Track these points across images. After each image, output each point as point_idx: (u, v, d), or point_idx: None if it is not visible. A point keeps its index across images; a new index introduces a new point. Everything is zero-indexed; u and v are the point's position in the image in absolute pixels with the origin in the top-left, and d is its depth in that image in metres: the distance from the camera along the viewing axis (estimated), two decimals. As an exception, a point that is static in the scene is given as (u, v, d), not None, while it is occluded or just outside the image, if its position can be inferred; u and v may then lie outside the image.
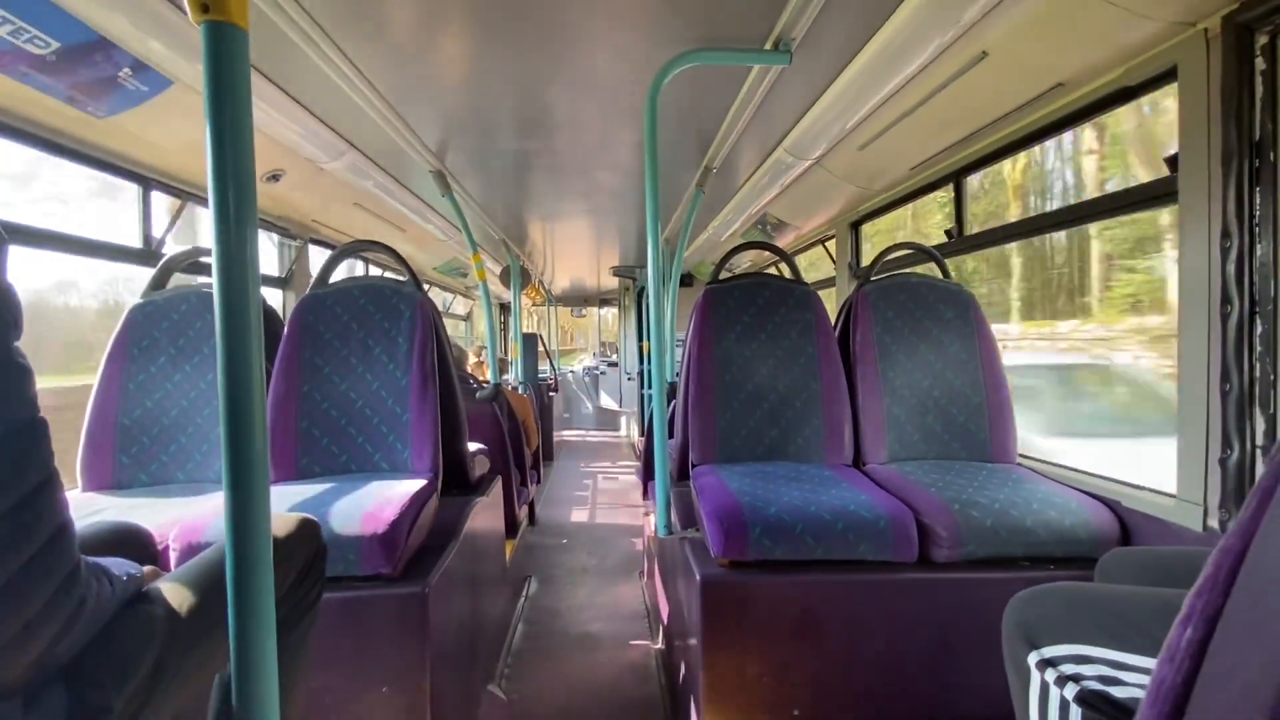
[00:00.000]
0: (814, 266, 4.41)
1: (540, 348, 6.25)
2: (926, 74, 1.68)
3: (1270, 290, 1.19)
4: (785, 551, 1.43)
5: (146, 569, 0.88)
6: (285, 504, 1.51)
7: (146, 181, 2.07)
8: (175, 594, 0.82)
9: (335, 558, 1.37)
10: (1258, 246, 1.20)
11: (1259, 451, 1.20)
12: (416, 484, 1.64)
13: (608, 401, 8.68)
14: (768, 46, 1.66)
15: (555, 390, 6.61)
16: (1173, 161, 1.36)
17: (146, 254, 2.08)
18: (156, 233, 2.12)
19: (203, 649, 0.83)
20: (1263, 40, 1.20)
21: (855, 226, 3.04)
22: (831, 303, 3.17)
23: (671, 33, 1.65)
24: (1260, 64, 1.20)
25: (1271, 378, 1.18)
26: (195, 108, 1.80)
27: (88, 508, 1.58)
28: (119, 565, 0.78)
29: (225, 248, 0.67)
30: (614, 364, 8.37)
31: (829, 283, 3.37)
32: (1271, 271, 1.19)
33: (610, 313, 9.73)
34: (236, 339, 0.67)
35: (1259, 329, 1.20)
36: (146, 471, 1.78)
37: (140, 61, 1.57)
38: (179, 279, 2.08)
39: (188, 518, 1.44)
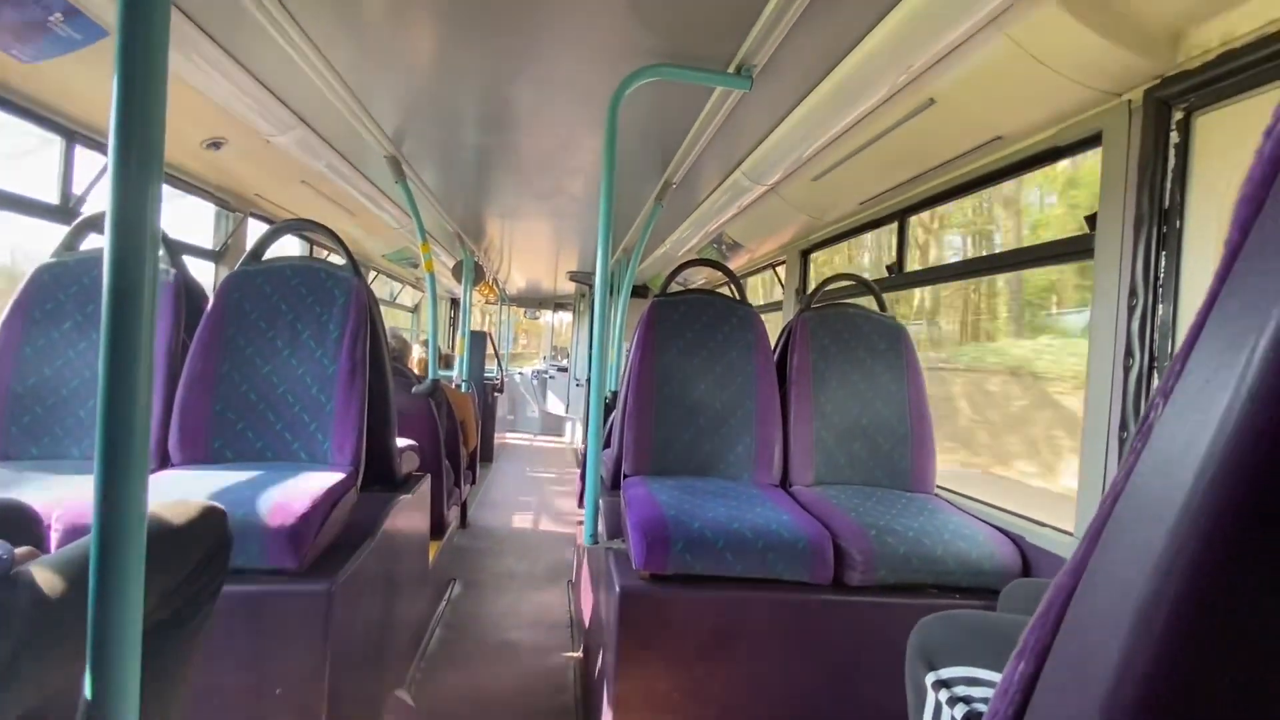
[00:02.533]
0: (767, 291, 4.50)
1: (490, 349, 6.15)
2: (878, 114, 1.75)
3: (1168, 347, 1.27)
4: (705, 566, 1.44)
5: (19, 550, 0.80)
6: (190, 488, 1.43)
7: (70, 134, 1.94)
8: (46, 580, 0.76)
9: (237, 549, 1.30)
10: (1160, 306, 1.28)
11: None
12: (334, 477, 1.58)
13: (555, 406, 8.60)
14: (730, 70, 1.70)
15: (501, 391, 6.50)
16: (1092, 220, 1.45)
17: (64, 211, 1.95)
18: (77, 190, 1.99)
19: (74, 642, 0.76)
20: (1178, 115, 1.30)
21: (805, 254, 3.12)
22: (778, 326, 3.24)
23: (638, 45, 1.67)
24: (1175, 137, 1.30)
25: None
26: None
27: None
28: None
29: (121, 201, 0.60)
30: (564, 369, 8.31)
31: (776, 307, 3.45)
32: (1170, 330, 1.28)
33: (563, 317, 9.67)
34: (124, 303, 0.60)
35: (1156, 382, 1.28)
36: (38, 444, 1.66)
37: (73, 7, 1.47)
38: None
39: (75, 497, 1.34)
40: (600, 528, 1.76)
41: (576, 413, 7.69)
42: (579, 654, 2.34)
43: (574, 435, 7.95)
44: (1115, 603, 0.33)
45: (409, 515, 2.08)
